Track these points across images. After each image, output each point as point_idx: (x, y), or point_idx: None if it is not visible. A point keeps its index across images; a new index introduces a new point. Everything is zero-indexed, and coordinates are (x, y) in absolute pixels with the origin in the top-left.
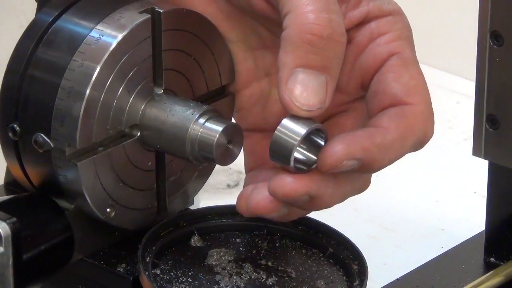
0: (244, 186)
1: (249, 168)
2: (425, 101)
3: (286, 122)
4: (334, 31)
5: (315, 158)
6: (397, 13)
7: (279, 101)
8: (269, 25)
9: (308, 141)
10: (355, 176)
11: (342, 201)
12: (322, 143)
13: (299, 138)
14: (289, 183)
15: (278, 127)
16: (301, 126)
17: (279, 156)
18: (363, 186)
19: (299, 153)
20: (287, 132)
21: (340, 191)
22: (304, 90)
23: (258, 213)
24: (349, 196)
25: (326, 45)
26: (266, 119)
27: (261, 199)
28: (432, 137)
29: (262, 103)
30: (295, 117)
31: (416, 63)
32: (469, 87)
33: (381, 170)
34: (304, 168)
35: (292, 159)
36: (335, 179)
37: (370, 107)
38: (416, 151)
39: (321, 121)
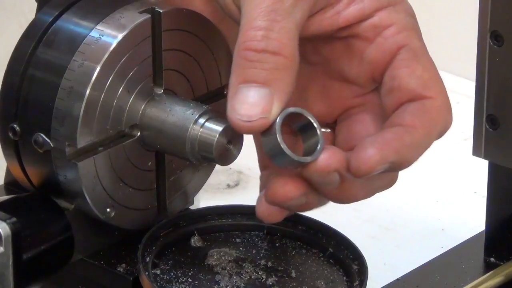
0: (261, 185)
1: (263, 166)
2: (443, 93)
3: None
4: (267, 44)
5: (318, 139)
6: (397, 2)
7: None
8: None
9: (299, 132)
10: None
11: (370, 196)
12: (313, 125)
13: (276, 130)
14: (319, 160)
15: (261, 140)
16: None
17: (281, 159)
18: (390, 182)
19: (300, 146)
20: (266, 135)
21: (368, 183)
22: (244, 103)
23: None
24: (376, 192)
25: (261, 58)
26: None
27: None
28: None
29: None
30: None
31: (425, 51)
32: (469, 87)
33: None
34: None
35: (287, 151)
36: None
37: (386, 103)
38: None
39: (338, 115)
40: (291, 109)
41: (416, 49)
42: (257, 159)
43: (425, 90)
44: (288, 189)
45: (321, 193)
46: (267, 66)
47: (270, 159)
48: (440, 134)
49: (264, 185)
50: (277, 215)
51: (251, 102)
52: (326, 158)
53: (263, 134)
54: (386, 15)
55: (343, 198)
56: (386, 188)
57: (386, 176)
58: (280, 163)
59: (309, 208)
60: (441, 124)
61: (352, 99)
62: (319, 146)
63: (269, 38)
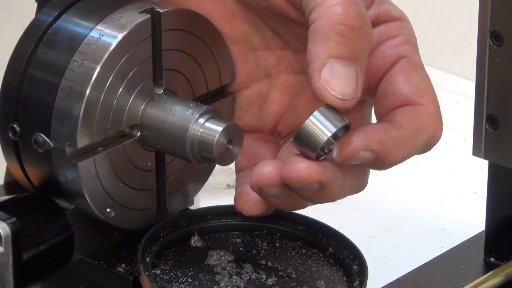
0: (237, 186)
1: (240, 168)
2: (435, 103)
3: (319, 113)
4: (363, 22)
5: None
6: (404, 20)
7: (312, 92)
8: (274, 25)
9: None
10: (359, 173)
11: (343, 197)
12: (341, 135)
13: (330, 134)
14: (304, 169)
15: (311, 117)
16: (333, 121)
17: (305, 144)
18: (362, 184)
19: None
20: (319, 124)
21: (345, 185)
22: (339, 79)
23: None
24: (349, 194)
25: (356, 36)
26: (262, 120)
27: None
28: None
29: (259, 104)
30: (328, 110)
31: (423, 68)
32: (469, 87)
33: (382, 170)
34: (322, 155)
35: (318, 149)
36: (343, 172)
37: (379, 107)
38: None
39: None
40: (350, 123)
41: (416, 62)
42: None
43: (418, 97)
44: (276, 173)
45: (297, 194)
46: (359, 44)
47: (297, 133)
48: (428, 142)
49: (240, 185)
50: (256, 207)
51: (344, 80)
52: (312, 170)
53: (320, 114)
54: (393, 27)
55: (318, 201)
56: (357, 192)
57: (361, 176)
58: (299, 145)
59: (289, 205)
60: (429, 131)
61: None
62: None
63: (363, 15)
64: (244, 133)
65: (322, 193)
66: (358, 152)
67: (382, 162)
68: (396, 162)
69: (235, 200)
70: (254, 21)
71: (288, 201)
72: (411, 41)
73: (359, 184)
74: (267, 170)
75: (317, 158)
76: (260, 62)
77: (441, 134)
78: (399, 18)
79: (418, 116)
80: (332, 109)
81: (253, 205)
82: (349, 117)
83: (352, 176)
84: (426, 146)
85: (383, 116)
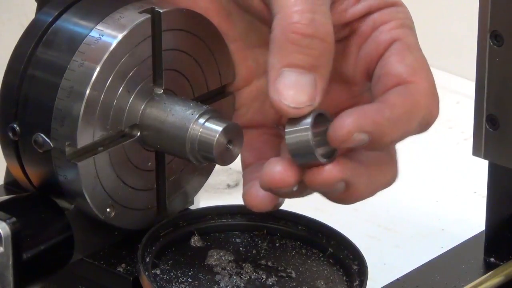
0: (244, 182)
1: (246, 164)
2: (429, 80)
3: (290, 121)
4: (317, 29)
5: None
6: (399, 4)
7: (270, 103)
8: (269, 23)
9: (320, 134)
10: (385, 167)
11: (374, 194)
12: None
13: (309, 127)
14: (326, 170)
15: (286, 130)
16: (305, 119)
17: (303, 156)
18: (392, 178)
19: (320, 147)
20: (295, 130)
21: (373, 182)
22: (291, 88)
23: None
24: (380, 190)
25: (309, 43)
26: (265, 115)
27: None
28: (434, 135)
29: (261, 99)
30: (291, 120)
31: (419, 49)
32: (469, 87)
33: None
34: (327, 156)
35: (316, 150)
36: (367, 168)
37: (374, 90)
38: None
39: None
40: (321, 110)
41: (410, 43)
42: (240, 158)
43: (412, 76)
44: (287, 174)
45: (325, 197)
46: (314, 52)
47: (290, 152)
48: (424, 121)
49: (248, 181)
50: (267, 203)
51: (298, 88)
52: (332, 169)
53: (290, 125)
54: (387, 13)
55: (348, 200)
56: (388, 186)
57: (388, 170)
58: (300, 159)
59: (300, 195)
60: (424, 109)
61: (348, 100)
62: (336, 153)
63: (316, 23)
64: (248, 129)
65: (351, 192)
66: (352, 134)
67: (378, 142)
68: (393, 142)
69: (243, 196)
70: (249, 19)
71: (301, 193)
72: (406, 24)
73: (388, 179)
74: (277, 170)
75: (328, 159)
76: (259, 59)
77: (438, 112)
78: (394, 4)
79: (411, 94)
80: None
81: (262, 201)
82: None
83: (379, 171)
84: (423, 125)
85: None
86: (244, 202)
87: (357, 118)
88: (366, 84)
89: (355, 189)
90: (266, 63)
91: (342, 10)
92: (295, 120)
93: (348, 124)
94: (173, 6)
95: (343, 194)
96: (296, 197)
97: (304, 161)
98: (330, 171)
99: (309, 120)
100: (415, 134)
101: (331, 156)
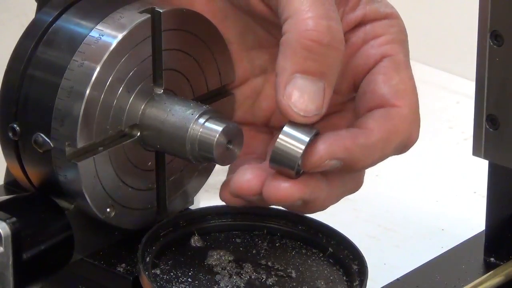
0: (228, 173)
1: None
2: (411, 105)
3: (287, 129)
4: (333, 38)
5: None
6: (394, 17)
7: (277, 106)
8: (266, 25)
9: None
10: (348, 178)
11: (336, 202)
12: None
13: (303, 146)
14: (283, 189)
15: (280, 135)
16: (302, 133)
17: (282, 162)
18: (356, 186)
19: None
20: (290, 140)
21: (333, 193)
22: (302, 96)
23: (241, 194)
24: (342, 197)
25: (325, 52)
26: (255, 114)
27: (246, 180)
28: (434, 135)
29: (253, 98)
30: (294, 124)
31: (408, 67)
32: (469, 87)
33: (381, 170)
34: (300, 170)
35: (296, 166)
36: (328, 181)
37: (358, 106)
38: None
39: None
40: (318, 130)
41: (399, 61)
42: None
43: (394, 99)
44: (253, 183)
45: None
46: (327, 60)
47: (272, 154)
48: (401, 145)
49: (230, 172)
50: (237, 201)
51: (307, 96)
52: (292, 188)
53: (289, 128)
54: (379, 26)
55: (309, 211)
56: (352, 193)
57: (350, 180)
58: (277, 165)
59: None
60: (402, 134)
61: (332, 107)
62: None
63: (333, 30)
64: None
65: (308, 207)
66: (323, 161)
67: (351, 168)
68: (366, 167)
69: (220, 189)
70: (245, 21)
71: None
72: (398, 40)
73: (351, 187)
74: (246, 179)
75: (297, 174)
76: (254, 61)
77: (418, 136)
78: (388, 16)
79: (390, 119)
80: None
81: (233, 199)
82: (338, 118)
83: (340, 182)
84: (400, 148)
85: (359, 117)
86: (219, 194)
87: (330, 145)
88: (351, 94)
89: (313, 204)
90: (276, 66)
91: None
92: (295, 127)
93: (320, 151)
94: (172, 6)
95: (300, 208)
96: (265, 205)
97: (279, 168)
98: (289, 190)
99: (307, 137)
100: (392, 156)
101: (300, 170)
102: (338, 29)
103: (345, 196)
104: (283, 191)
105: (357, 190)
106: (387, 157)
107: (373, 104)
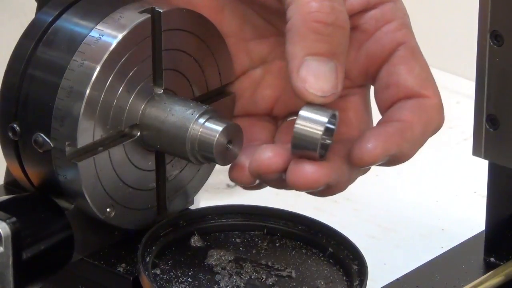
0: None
1: None
2: (437, 93)
3: (304, 113)
4: (337, 17)
5: (330, 141)
6: (397, 0)
7: (293, 91)
8: (266, 14)
9: (325, 131)
10: None
11: (351, 183)
12: (333, 127)
13: (323, 128)
14: (310, 173)
15: (298, 120)
16: (320, 115)
17: (304, 147)
18: (366, 170)
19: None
20: (308, 123)
21: (352, 176)
22: (317, 77)
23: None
24: (357, 178)
25: (331, 32)
26: (256, 104)
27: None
28: (435, 135)
29: (253, 88)
30: (310, 106)
31: (420, 51)
32: (469, 87)
33: (381, 170)
34: (323, 153)
35: (319, 148)
36: (349, 165)
37: (382, 98)
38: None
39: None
40: (335, 110)
41: (414, 48)
42: None
43: (422, 89)
44: (275, 160)
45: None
46: (335, 40)
47: (293, 140)
48: (433, 133)
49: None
50: (251, 179)
51: (322, 77)
52: (317, 172)
53: (305, 112)
54: (388, 10)
55: (329, 194)
56: (365, 173)
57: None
58: (299, 150)
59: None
60: (435, 123)
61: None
62: (328, 149)
63: (336, 10)
64: (238, 118)
65: (330, 190)
66: (380, 160)
67: (397, 161)
68: (409, 159)
69: (229, 171)
70: (244, 12)
71: (286, 184)
72: (406, 24)
73: (364, 171)
74: (266, 156)
75: (321, 157)
76: (252, 53)
77: (444, 120)
78: (391, 0)
79: (426, 111)
80: (315, 104)
81: (247, 176)
82: (350, 102)
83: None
84: (431, 135)
85: (387, 108)
86: (229, 176)
87: (383, 143)
88: (361, 80)
89: (334, 188)
90: (286, 53)
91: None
92: (311, 109)
93: (376, 150)
94: (172, 6)
95: (321, 192)
96: (283, 188)
97: (302, 153)
98: (315, 175)
99: (325, 118)
100: None
101: (325, 152)
102: (341, 9)
103: (359, 176)
104: (310, 176)
105: (368, 170)
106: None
107: (401, 96)
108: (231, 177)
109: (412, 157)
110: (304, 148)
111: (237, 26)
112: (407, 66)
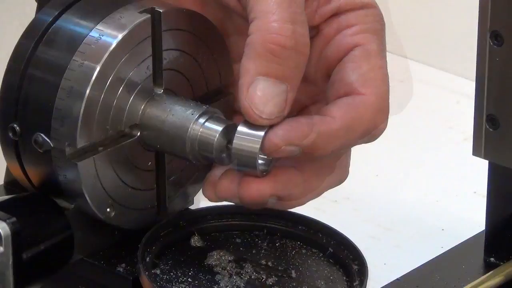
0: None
1: None
2: (378, 93)
3: (241, 129)
4: (297, 41)
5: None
6: (370, 7)
7: (239, 106)
8: (244, 13)
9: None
10: (326, 170)
11: (318, 196)
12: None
13: (259, 144)
14: (254, 188)
15: (235, 137)
16: (257, 129)
17: (244, 164)
18: (340, 178)
19: (261, 156)
20: (246, 138)
21: (311, 187)
22: (264, 98)
23: (225, 198)
24: (326, 190)
25: (288, 56)
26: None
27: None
28: (434, 135)
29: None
30: (248, 122)
31: (380, 56)
32: (469, 87)
33: (381, 170)
34: (267, 167)
35: (257, 164)
36: (303, 175)
37: (328, 94)
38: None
39: (295, 114)
40: None
41: (371, 50)
42: None
43: (361, 87)
44: (262, 188)
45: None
46: (291, 63)
47: (232, 156)
48: (367, 134)
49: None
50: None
51: (270, 100)
52: (262, 185)
53: (243, 127)
54: (354, 16)
55: (288, 206)
56: (337, 185)
57: (330, 175)
58: (240, 167)
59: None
60: (367, 122)
61: (307, 99)
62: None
63: (297, 34)
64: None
65: (285, 203)
66: (279, 147)
67: (311, 154)
68: (328, 153)
69: (202, 186)
70: (224, 9)
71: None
72: (372, 29)
73: (334, 180)
74: (225, 184)
75: (264, 172)
76: (233, 47)
77: (385, 126)
78: (364, 6)
79: (354, 107)
80: None
81: (215, 198)
82: (315, 108)
83: (317, 176)
84: (368, 137)
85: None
86: (202, 191)
87: (286, 132)
88: (325, 84)
89: (288, 200)
90: (240, 67)
91: (313, 11)
92: (248, 126)
93: (276, 137)
94: (173, 6)
95: (278, 205)
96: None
97: (244, 169)
98: (260, 188)
99: (262, 133)
100: (358, 144)
101: (268, 167)
102: (303, 33)
103: (328, 189)
104: (254, 191)
105: (341, 182)
106: (354, 145)
107: (341, 92)
108: (204, 193)
109: (412, 157)
110: (243, 165)
111: (218, 21)
112: (354, 65)
